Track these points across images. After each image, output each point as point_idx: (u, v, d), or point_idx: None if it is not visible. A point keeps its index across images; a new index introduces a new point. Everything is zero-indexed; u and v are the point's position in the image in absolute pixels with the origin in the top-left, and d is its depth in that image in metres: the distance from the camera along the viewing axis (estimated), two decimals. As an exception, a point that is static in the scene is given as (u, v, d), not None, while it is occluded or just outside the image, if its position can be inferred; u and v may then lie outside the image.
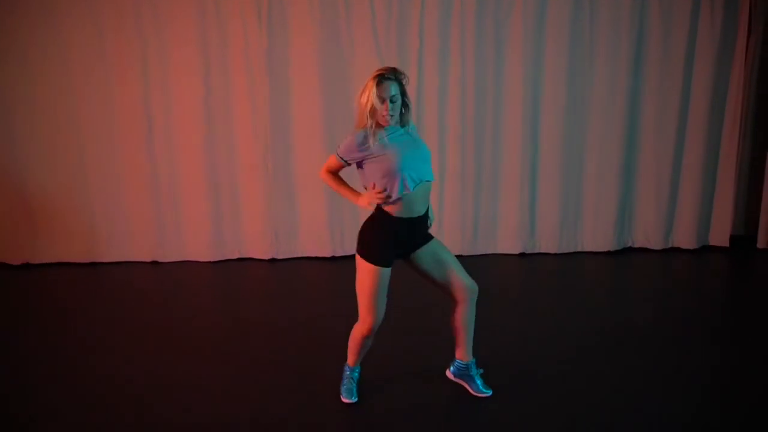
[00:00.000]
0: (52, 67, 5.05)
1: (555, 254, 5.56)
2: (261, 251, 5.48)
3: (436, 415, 2.99)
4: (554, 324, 4.02)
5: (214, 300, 4.72)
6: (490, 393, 3.13)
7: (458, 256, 3.30)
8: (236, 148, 5.30)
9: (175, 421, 2.96)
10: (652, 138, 5.42)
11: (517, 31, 5.16)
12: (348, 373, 3.17)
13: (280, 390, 3.22)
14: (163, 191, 5.34)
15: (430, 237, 3.01)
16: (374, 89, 2.70)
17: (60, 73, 5.07)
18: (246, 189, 5.37)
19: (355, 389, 3.13)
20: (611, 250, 5.58)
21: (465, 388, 3.17)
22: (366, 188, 2.90)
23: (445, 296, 3.08)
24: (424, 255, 2.96)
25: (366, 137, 2.75)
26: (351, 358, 3.14)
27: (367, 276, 2.85)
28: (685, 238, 5.59)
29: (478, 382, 3.16)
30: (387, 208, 2.84)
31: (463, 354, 3.16)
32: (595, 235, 5.57)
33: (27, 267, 5.37)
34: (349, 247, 5.50)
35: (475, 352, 3.20)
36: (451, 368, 3.24)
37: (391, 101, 2.74)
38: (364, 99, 2.73)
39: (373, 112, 2.73)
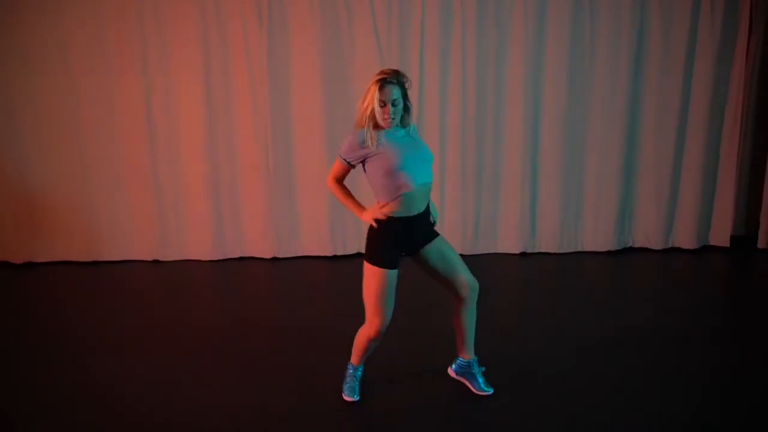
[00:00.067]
0: (53, 66, 5.06)
1: (555, 254, 5.56)
2: (262, 250, 5.49)
3: (436, 415, 3.00)
4: (554, 324, 4.02)
5: (215, 299, 4.73)
6: (491, 391, 3.14)
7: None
8: (237, 147, 5.30)
9: (175, 420, 2.96)
10: (652, 138, 5.42)
11: (517, 30, 5.15)
12: (351, 371, 3.18)
13: (281, 389, 3.23)
14: (164, 190, 5.35)
15: (436, 234, 3.02)
16: (376, 93, 2.73)
17: (61, 72, 5.08)
18: (247, 188, 5.38)
19: (357, 388, 3.15)
20: (611, 249, 5.58)
21: (466, 387, 3.18)
22: (373, 189, 2.92)
23: (448, 293, 3.09)
24: (430, 252, 2.98)
25: (366, 137, 2.78)
26: (355, 357, 3.15)
27: (371, 279, 2.86)
28: (685, 238, 5.59)
29: (480, 380, 3.17)
30: (386, 208, 2.85)
31: (465, 352, 3.17)
32: (596, 235, 5.57)
33: (29, 266, 5.38)
34: (350, 246, 5.51)
35: (476, 352, 3.21)
36: (453, 366, 3.26)
37: (393, 105, 2.76)
38: (365, 102, 2.77)
39: (373, 114, 2.76)
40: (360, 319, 3.01)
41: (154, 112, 5.19)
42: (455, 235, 5.40)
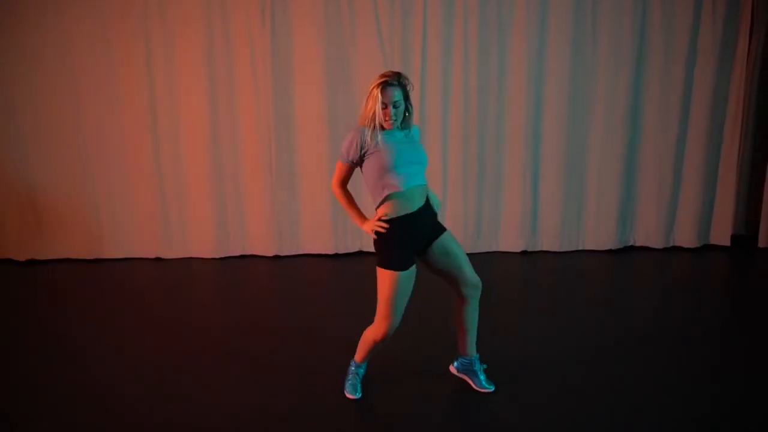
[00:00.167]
0: (56, 64, 5.07)
1: (557, 252, 5.56)
2: (264, 248, 5.50)
3: (436, 414, 3.01)
4: (555, 323, 4.03)
5: (216, 297, 4.74)
6: (492, 389, 3.16)
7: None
8: (240, 146, 5.31)
9: (175, 420, 2.97)
10: (653, 137, 5.41)
11: (519, 30, 5.15)
12: (353, 368, 3.20)
13: (281, 389, 3.24)
14: (167, 188, 5.36)
15: (443, 229, 3.03)
16: (378, 95, 2.75)
17: (63, 70, 5.08)
18: (249, 186, 5.39)
19: (359, 385, 3.16)
20: (613, 248, 5.58)
21: (467, 387, 3.19)
22: (368, 189, 2.93)
23: (451, 290, 3.10)
24: (436, 246, 2.98)
25: (364, 134, 2.81)
26: (359, 355, 3.16)
27: (383, 282, 2.88)
28: (686, 237, 5.59)
29: (482, 377, 3.19)
30: (380, 211, 2.87)
31: (467, 349, 3.18)
32: (597, 234, 5.57)
33: (32, 263, 5.41)
34: (352, 244, 5.53)
35: (476, 350, 3.21)
36: (455, 363, 3.28)
37: (394, 107, 2.79)
38: (368, 104, 2.79)
39: (374, 116, 2.79)
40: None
41: (157, 110, 5.20)
42: (456, 234, 5.34)
